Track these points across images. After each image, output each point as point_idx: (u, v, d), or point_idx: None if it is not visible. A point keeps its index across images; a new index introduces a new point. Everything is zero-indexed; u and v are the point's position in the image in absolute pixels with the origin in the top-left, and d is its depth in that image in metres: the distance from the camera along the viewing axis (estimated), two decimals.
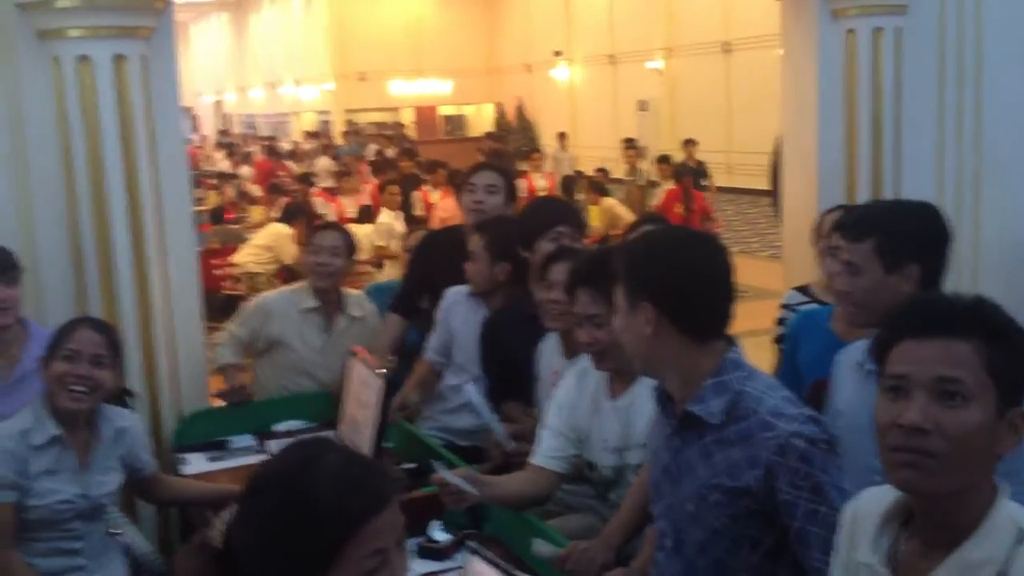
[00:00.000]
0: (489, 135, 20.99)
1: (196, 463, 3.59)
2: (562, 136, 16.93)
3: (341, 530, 1.41)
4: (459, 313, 3.72)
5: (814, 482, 1.92)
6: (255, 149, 22.06)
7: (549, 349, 3.26)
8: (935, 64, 4.81)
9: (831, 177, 4.68)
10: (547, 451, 2.73)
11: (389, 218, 9.30)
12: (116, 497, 3.04)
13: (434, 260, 4.03)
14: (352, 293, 4.17)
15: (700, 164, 11.35)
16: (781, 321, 3.57)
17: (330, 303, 4.06)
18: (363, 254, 7.86)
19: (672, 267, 2.05)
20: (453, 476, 2.53)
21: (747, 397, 2.01)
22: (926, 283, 2.34)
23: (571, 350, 3.04)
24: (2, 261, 3.30)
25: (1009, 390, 1.46)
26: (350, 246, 4.11)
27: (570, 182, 11.03)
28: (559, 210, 3.64)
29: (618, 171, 13.51)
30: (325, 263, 3.98)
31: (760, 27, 12.32)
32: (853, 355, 2.44)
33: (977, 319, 1.48)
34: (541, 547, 2.50)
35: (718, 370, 2.03)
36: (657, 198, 11.07)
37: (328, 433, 3.60)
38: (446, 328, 3.76)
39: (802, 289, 3.57)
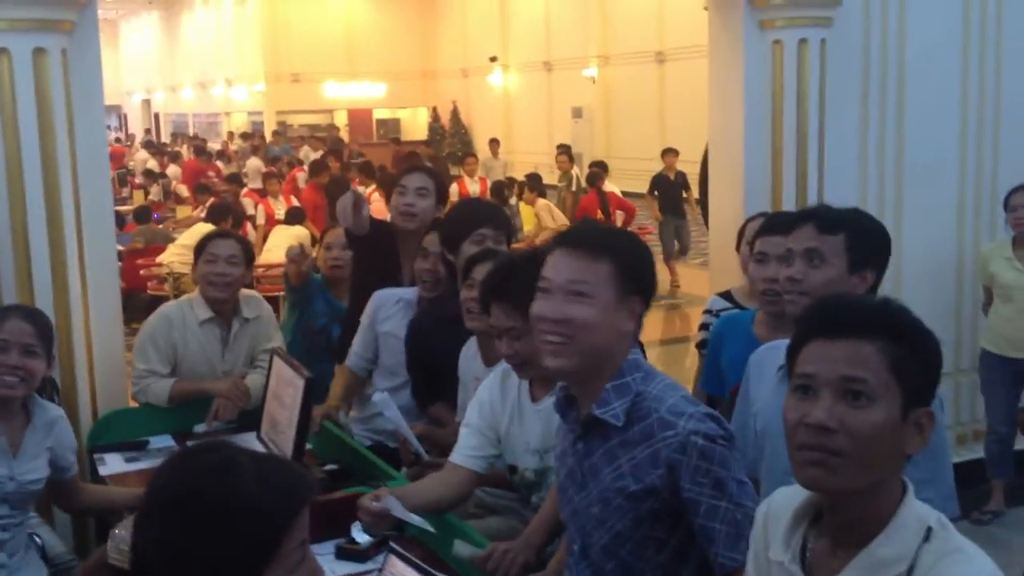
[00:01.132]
0: (422, 143, 20.94)
1: (113, 463, 3.51)
2: (494, 143, 16.91)
3: (279, 530, 1.41)
4: (390, 317, 3.68)
5: (714, 478, 1.95)
6: (184, 148, 21.74)
7: (470, 354, 3.26)
8: (859, 75, 4.90)
9: (757, 185, 4.74)
10: (466, 449, 2.72)
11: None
12: (41, 492, 2.99)
13: (369, 278, 3.89)
14: (245, 294, 3.95)
15: (680, 175, 11.30)
16: (704, 326, 3.61)
17: (226, 313, 3.86)
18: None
19: (652, 265, 2.12)
20: (397, 507, 2.49)
21: (647, 397, 2.04)
22: (871, 290, 2.39)
23: (489, 357, 3.05)
24: None
25: (914, 391, 1.49)
26: (248, 254, 3.92)
27: (501, 187, 11.06)
28: (482, 212, 3.61)
29: (552, 177, 13.56)
30: (223, 273, 3.76)
31: (693, 37, 12.47)
32: (773, 356, 2.47)
33: (883, 321, 1.51)
34: (461, 548, 2.49)
35: (620, 372, 2.06)
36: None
37: (248, 434, 3.57)
38: (372, 332, 3.71)
39: (725, 295, 3.62)
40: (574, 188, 12.36)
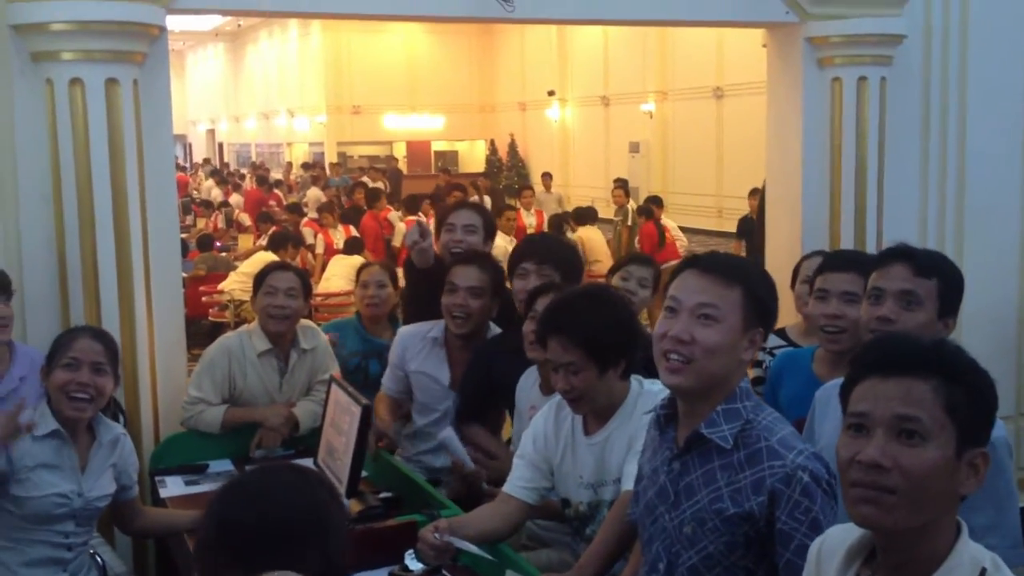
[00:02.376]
0: (479, 175, 21.10)
1: (173, 486, 3.58)
2: (546, 176, 16.88)
3: None
4: (417, 355, 3.70)
5: (813, 517, 1.96)
6: (246, 178, 22.12)
7: (528, 383, 3.28)
8: (919, 113, 4.87)
9: (815, 223, 4.72)
10: (519, 480, 2.73)
11: (504, 242, 9.47)
12: (104, 509, 3.05)
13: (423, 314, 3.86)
14: (303, 324, 3.97)
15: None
16: (759, 363, 3.59)
17: (284, 344, 3.90)
18: (349, 285, 7.87)
19: (776, 298, 2.17)
20: (458, 540, 2.52)
21: (757, 426, 2.06)
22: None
23: (548, 386, 3.06)
24: (1, 280, 3.34)
25: (968, 431, 1.49)
26: (307, 286, 3.97)
27: (559, 219, 11.16)
28: (527, 246, 3.67)
29: (608, 211, 13.57)
30: (281, 305, 3.80)
31: (751, 73, 12.46)
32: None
33: (938, 360, 1.51)
34: None
35: (731, 397, 2.08)
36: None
37: (306, 460, 3.61)
38: (402, 371, 3.72)
39: (779, 332, 3.60)
40: (630, 222, 12.36)
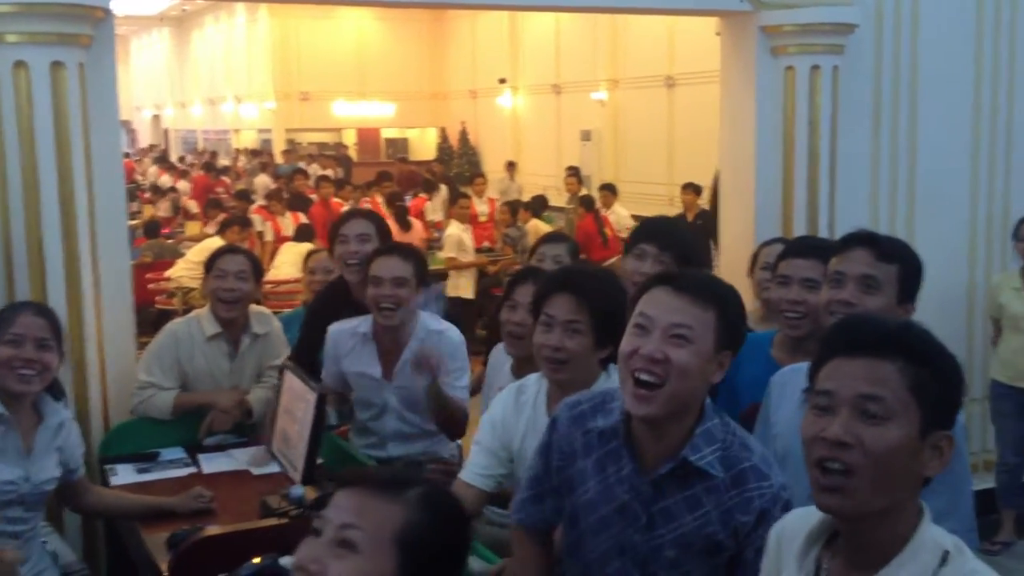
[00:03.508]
0: (431, 162, 21.05)
1: (124, 474, 3.53)
2: (511, 165, 16.87)
3: None
4: (351, 352, 3.66)
5: None
6: (193, 164, 21.84)
7: (500, 362, 3.32)
8: (871, 101, 4.93)
9: (768, 210, 4.76)
10: (476, 468, 2.71)
11: (458, 230, 9.44)
12: (51, 493, 3.01)
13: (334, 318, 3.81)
14: (255, 310, 3.96)
15: (704, 215, 11.06)
16: None
17: (235, 328, 3.88)
18: (299, 272, 7.80)
19: (745, 321, 2.15)
20: None
21: (733, 445, 2.06)
22: None
23: (521, 372, 3.05)
24: None
25: (933, 412, 1.50)
26: (258, 269, 3.93)
27: (515, 207, 11.18)
28: (649, 229, 3.39)
29: (560, 199, 13.59)
30: (231, 288, 3.78)
31: (703, 62, 12.52)
32: (796, 378, 2.48)
33: (904, 341, 1.52)
34: (474, 563, 2.49)
35: (702, 417, 2.07)
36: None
37: (260, 448, 3.58)
38: (337, 368, 3.67)
39: None
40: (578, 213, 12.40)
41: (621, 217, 11.33)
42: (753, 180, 4.79)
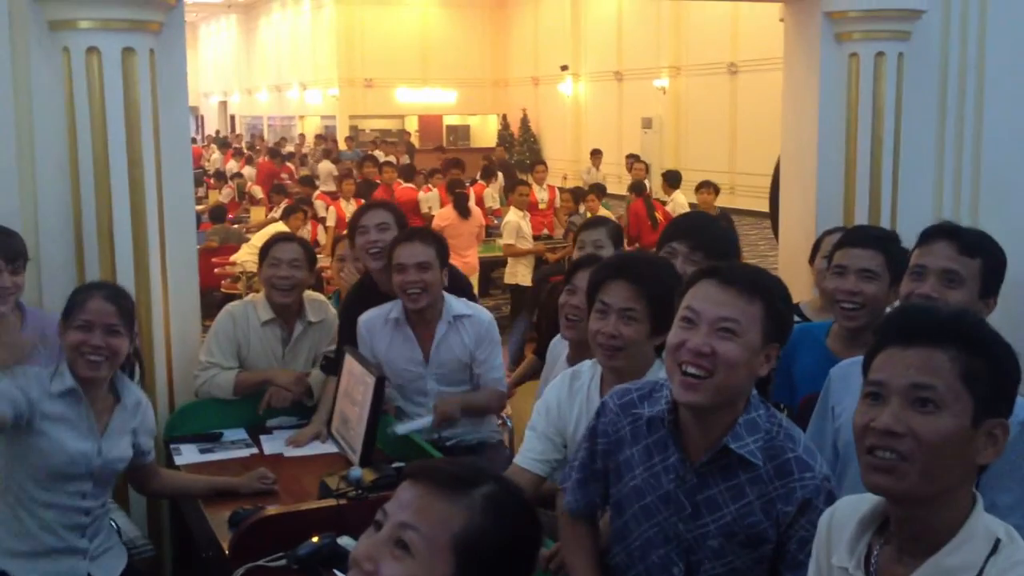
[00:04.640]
0: (491, 149, 21.03)
1: (188, 454, 3.61)
2: (596, 153, 16.34)
3: None
4: (382, 340, 3.70)
5: None
6: (259, 150, 22.15)
7: (559, 350, 3.35)
8: (937, 89, 4.84)
9: (830, 199, 4.71)
10: (531, 453, 2.73)
11: (516, 217, 9.52)
12: (122, 472, 3.05)
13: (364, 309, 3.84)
14: (311, 297, 4.01)
15: (723, 217, 11.11)
16: None
17: (289, 314, 3.92)
18: None
19: (792, 313, 2.15)
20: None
21: (778, 436, 2.07)
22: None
23: (577, 359, 3.07)
24: (14, 249, 3.35)
25: (986, 401, 1.49)
26: (311, 257, 3.96)
27: (578, 194, 11.22)
28: (681, 226, 3.45)
29: (619, 187, 13.53)
30: (285, 276, 3.83)
31: (766, 49, 12.38)
32: (858, 371, 2.48)
33: (957, 330, 1.52)
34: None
35: (747, 407, 2.08)
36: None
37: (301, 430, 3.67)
38: (372, 356, 3.68)
39: (794, 308, 3.60)
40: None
41: (678, 205, 11.25)
42: (815, 168, 4.74)
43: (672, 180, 11.71)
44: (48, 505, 2.86)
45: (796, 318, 3.52)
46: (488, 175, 13.73)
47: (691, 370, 2.01)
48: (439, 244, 3.65)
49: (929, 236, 2.54)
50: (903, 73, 4.66)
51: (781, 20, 5.09)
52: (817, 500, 1.99)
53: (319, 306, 4.03)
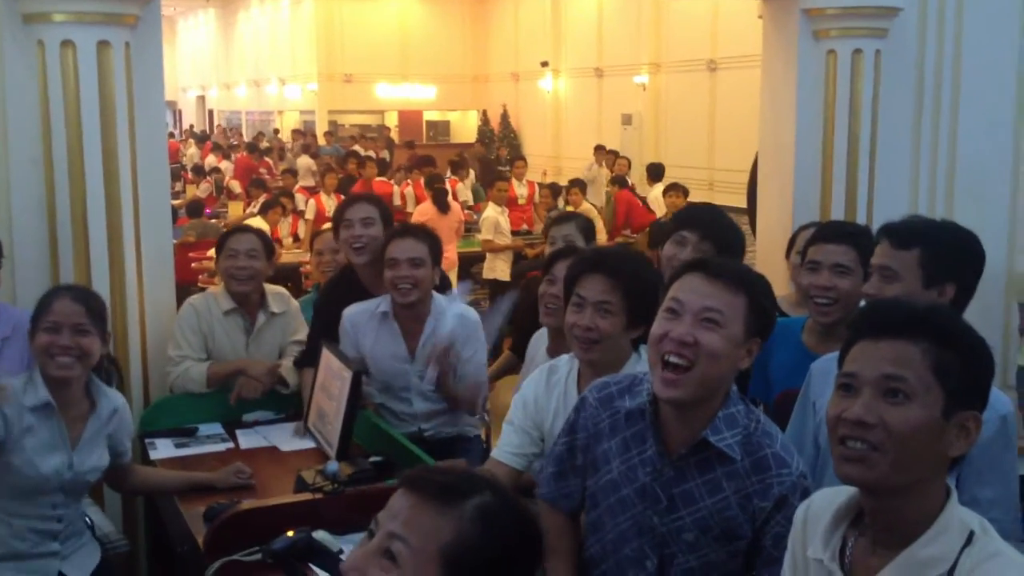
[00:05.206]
0: (471, 144, 21.03)
1: (163, 448, 3.59)
2: (600, 149, 15.61)
3: None
4: (368, 334, 3.68)
5: None
6: (237, 145, 22.04)
7: (540, 343, 3.37)
8: (913, 87, 4.86)
9: (806, 195, 4.72)
10: (508, 447, 2.74)
11: (495, 212, 9.47)
12: (99, 476, 3.03)
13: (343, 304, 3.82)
14: (272, 289, 4.02)
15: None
16: None
17: (250, 305, 3.94)
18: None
19: (775, 310, 2.16)
20: None
21: (757, 432, 2.08)
22: (956, 304, 2.39)
23: (557, 351, 3.08)
24: None
25: (958, 393, 1.51)
26: (269, 247, 3.97)
27: (557, 189, 11.22)
28: (691, 216, 3.47)
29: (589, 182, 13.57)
30: (243, 266, 3.85)
31: (745, 46, 12.43)
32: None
33: (929, 323, 1.53)
34: None
35: (726, 402, 2.09)
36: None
37: (296, 424, 3.64)
38: (355, 350, 3.66)
39: None
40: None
41: (657, 199, 11.28)
42: (792, 164, 4.75)
43: (655, 173, 11.73)
44: (19, 515, 2.84)
45: None
46: (458, 169, 13.69)
47: (673, 359, 2.01)
48: (432, 241, 3.66)
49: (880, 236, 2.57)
50: (880, 70, 4.68)
51: (760, 17, 5.10)
52: (793, 497, 2.00)
53: (281, 298, 4.04)
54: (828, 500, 1.66)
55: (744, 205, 10.58)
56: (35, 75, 3.62)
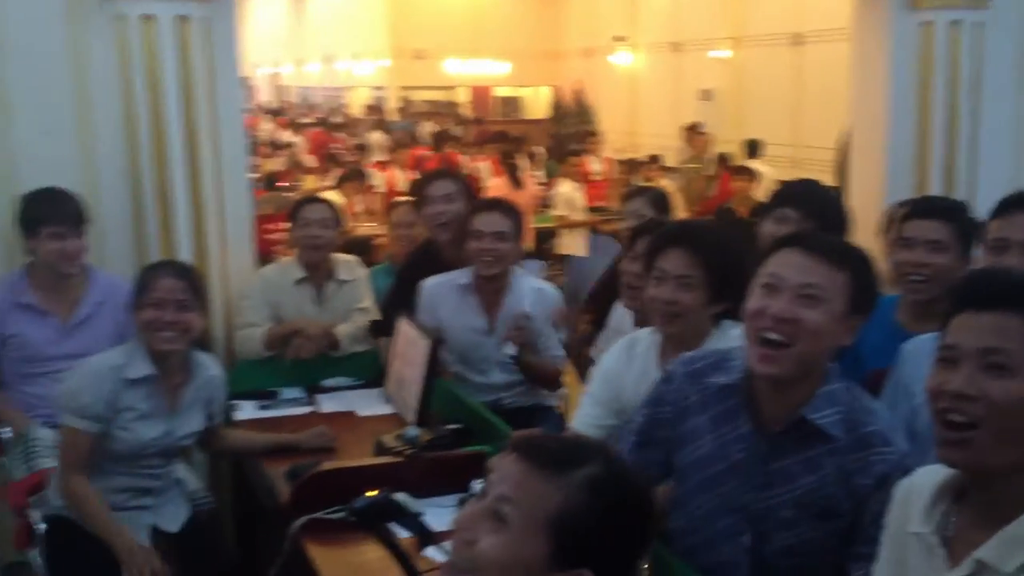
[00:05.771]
0: (544, 121, 20.94)
1: (247, 410, 3.65)
2: (692, 128, 15.26)
3: None
4: (446, 306, 3.70)
5: None
6: (309, 120, 22.29)
7: (621, 314, 3.36)
8: (1014, 61, 4.67)
9: (899, 172, 4.59)
10: (586, 418, 2.73)
11: (569, 188, 9.46)
12: (194, 440, 3.16)
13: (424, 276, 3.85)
14: (342, 258, 4.08)
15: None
16: None
17: (320, 273, 3.99)
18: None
19: (878, 286, 2.10)
20: None
21: (859, 409, 2.02)
22: None
23: (641, 325, 3.05)
24: (76, 213, 3.50)
25: None
26: (337, 218, 4.04)
27: (634, 164, 11.24)
28: (792, 192, 3.37)
29: (675, 160, 13.37)
30: (315, 235, 3.91)
31: (834, 19, 12.08)
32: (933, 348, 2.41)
33: None
34: None
35: (825, 380, 2.03)
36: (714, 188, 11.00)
37: (374, 390, 3.72)
38: (435, 321, 3.67)
39: None
40: (712, 172, 12.10)
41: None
42: (884, 140, 4.62)
43: (752, 150, 11.53)
44: (118, 474, 2.98)
45: None
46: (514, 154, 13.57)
47: (771, 336, 1.95)
48: (517, 217, 3.69)
49: (1009, 207, 2.44)
50: (981, 43, 4.50)
51: None
52: (895, 476, 1.91)
53: (349, 266, 4.09)
54: (930, 476, 1.61)
55: (831, 183, 10.35)
56: (116, 49, 3.70)
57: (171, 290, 2.95)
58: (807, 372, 2.01)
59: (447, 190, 3.91)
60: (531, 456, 1.43)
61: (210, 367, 3.16)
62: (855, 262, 2.02)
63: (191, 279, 3.04)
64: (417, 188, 4.11)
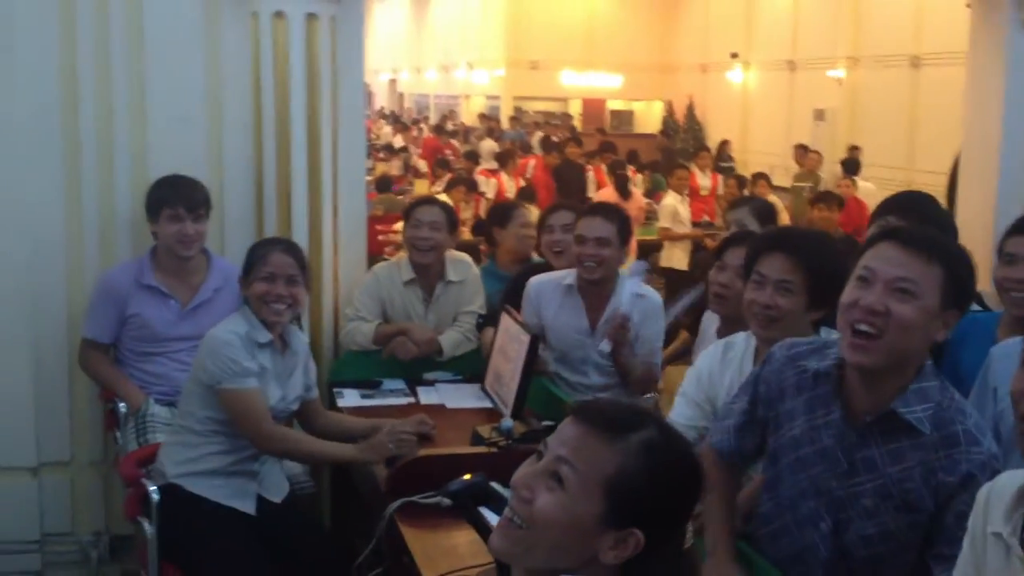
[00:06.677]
0: (655, 136, 20.86)
1: (350, 398, 3.79)
2: (801, 148, 15.27)
3: None
4: (551, 305, 3.78)
5: None
6: (424, 127, 22.66)
7: (711, 323, 3.37)
8: None
9: (1012, 193, 4.49)
10: (679, 418, 2.78)
11: (674, 201, 9.49)
12: (298, 405, 3.30)
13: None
14: (453, 256, 4.10)
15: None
16: None
17: (430, 275, 4.03)
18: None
19: (975, 282, 2.11)
20: None
21: (949, 407, 2.03)
22: None
23: (727, 332, 3.07)
24: (197, 199, 3.63)
25: None
26: (452, 221, 4.06)
27: (743, 181, 11.16)
28: (900, 203, 3.33)
29: (783, 179, 13.19)
30: (425, 237, 3.95)
31: (954, 42, 11.80)
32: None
33: None
34: None
35: (920, 375, 2.05)
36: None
37: (473, 385, 3.80)
38: (538, 319, 3.75)
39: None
40: (822, 189, 11.92)
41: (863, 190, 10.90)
42: (997, 159, 4.52)
43: (851, 167, 11.36)
44: (235, 436, 3.11)
45: (977, 307, 3.41)
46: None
47: (862, 327, 1.98)
48: (622, 223, 3.73)
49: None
50: None
51: (968, 5, 4.88)
52: (981, 476, 1.93)
53: (461, 266, 4.12)
54: (1013, 479, 1.63)
55: (946, 206, 10.06)
56: (249, 44, 3.84)
57: (282, 265, 3.12)
58: (899, 364, 2.02)
59: (567, 220, 4.05)
60: (590, 420, 1.49)
61: (302, 337, 3.35)
62: (951, 257, 2.02)
63: (299, 256, 3.21)
64: (541, 217, 4.33)
